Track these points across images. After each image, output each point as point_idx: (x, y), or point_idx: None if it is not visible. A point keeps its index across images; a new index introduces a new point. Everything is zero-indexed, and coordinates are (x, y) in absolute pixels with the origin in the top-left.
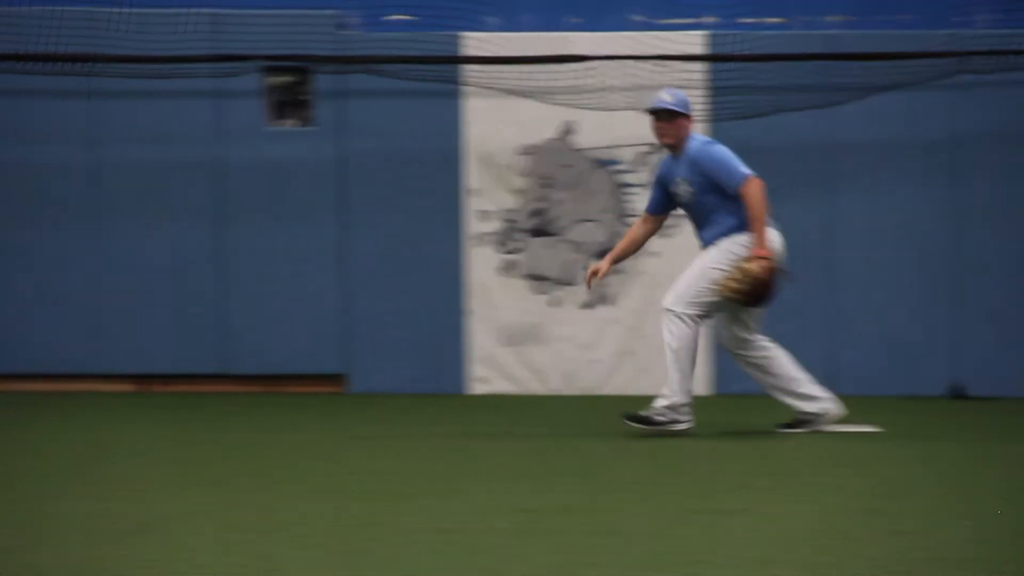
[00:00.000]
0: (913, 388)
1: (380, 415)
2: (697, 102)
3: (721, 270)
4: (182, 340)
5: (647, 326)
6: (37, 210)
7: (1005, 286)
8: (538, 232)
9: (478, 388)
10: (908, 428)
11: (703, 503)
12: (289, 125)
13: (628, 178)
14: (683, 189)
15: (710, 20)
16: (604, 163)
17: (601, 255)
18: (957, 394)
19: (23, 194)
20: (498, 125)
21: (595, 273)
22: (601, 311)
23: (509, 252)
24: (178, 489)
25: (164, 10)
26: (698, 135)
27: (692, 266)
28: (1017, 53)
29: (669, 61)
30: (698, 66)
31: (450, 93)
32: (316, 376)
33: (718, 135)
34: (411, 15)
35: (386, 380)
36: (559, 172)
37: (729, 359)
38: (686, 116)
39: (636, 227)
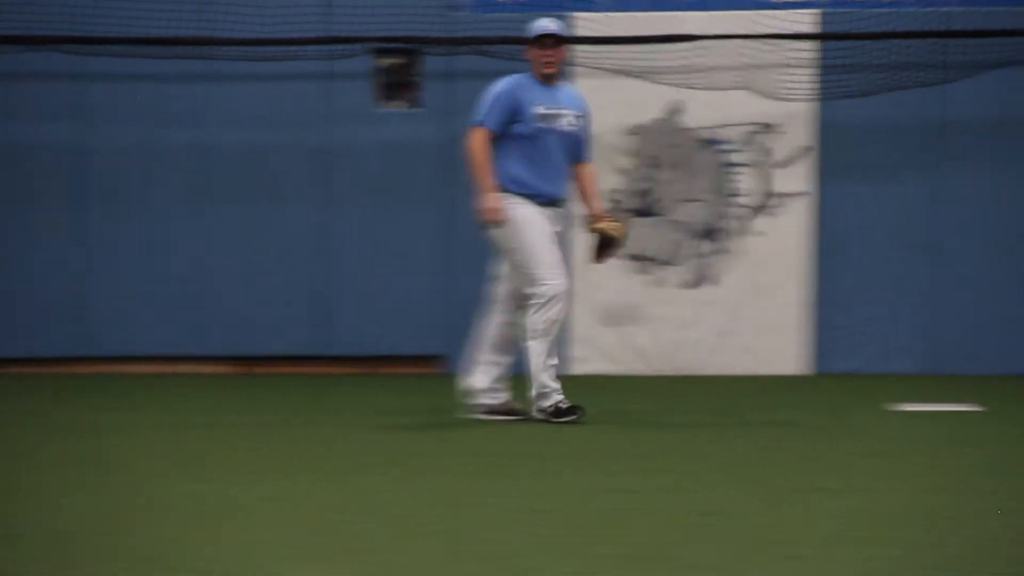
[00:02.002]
0: (1017, 367)
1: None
2: (808, 81)
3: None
4: (285, 321)
5: (748, 306)
6: (143, 193)
7: None
8: (642, 212)
9: (577, 368)
10: (1012, 407)
11: (802, 482)
12: (398, 107)
13: (734, 158)
14: (574, 123)
15: None
16: (710, 143)
17: (705, 235)
18: None
19: (127, 178)
20: (605, 105)
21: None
22: (703, 291)
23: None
24: (277, 473)
25: None
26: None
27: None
28: None
29: (779, 40)
30: (808, 45)
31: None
32: (416, 357)
33: (828, 113)
34: None
35: None
36: (665, 152)
37: (830, 338)
38: (566, 43)
39: (487, 149)
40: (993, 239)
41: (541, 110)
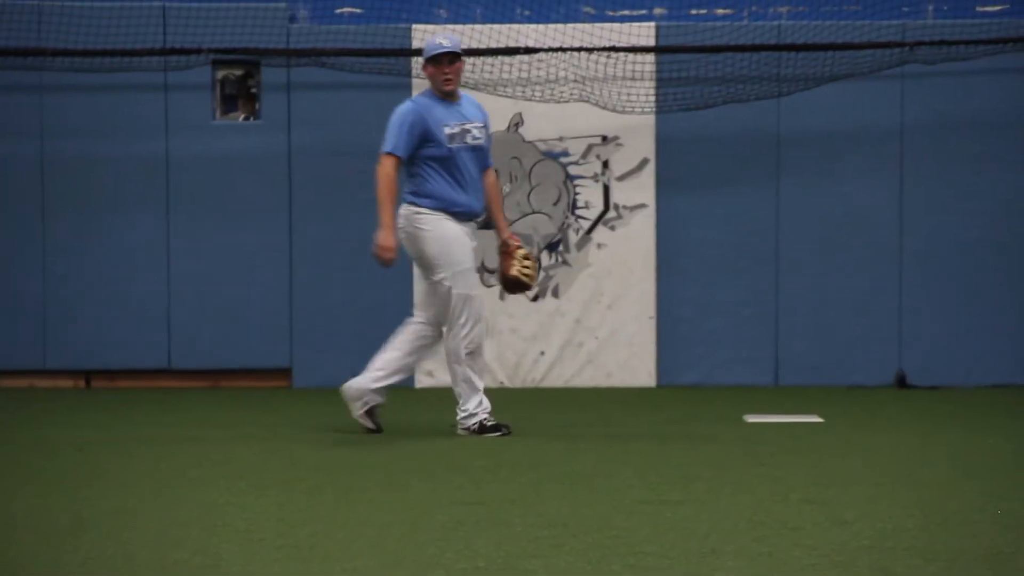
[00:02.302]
0: (857, 378)
1: (324, 410)
2: (647, 93)
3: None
4: (128, 336)
5: (592, 319)
6: None
7: (949, 276)
8: (484, 225)
9: (424, 381)
10: (851, 418)
11: (646, 494)
12: (236, 118)
13: (577, 170)
14: (481, 134)
15: (660, 12)
16: (551, 155)
17: (550, 247)
18: (900, 383)
19: None
20: None
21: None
22: (546, 303)
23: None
24: (119, 486)
25: (114, 3)
26: None
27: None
28: (964, 43)
29: (618, 53)
30: (648, 58)
31: (400, 86)
32: (260, 371)
33: (667, 125)
34: (361, 8)
35: (330, 375)
36: (508, 164)
37: (672, 351)
38: (462, 59)
39: (395, 179)
40: (832, 251)
41: (449, 129)
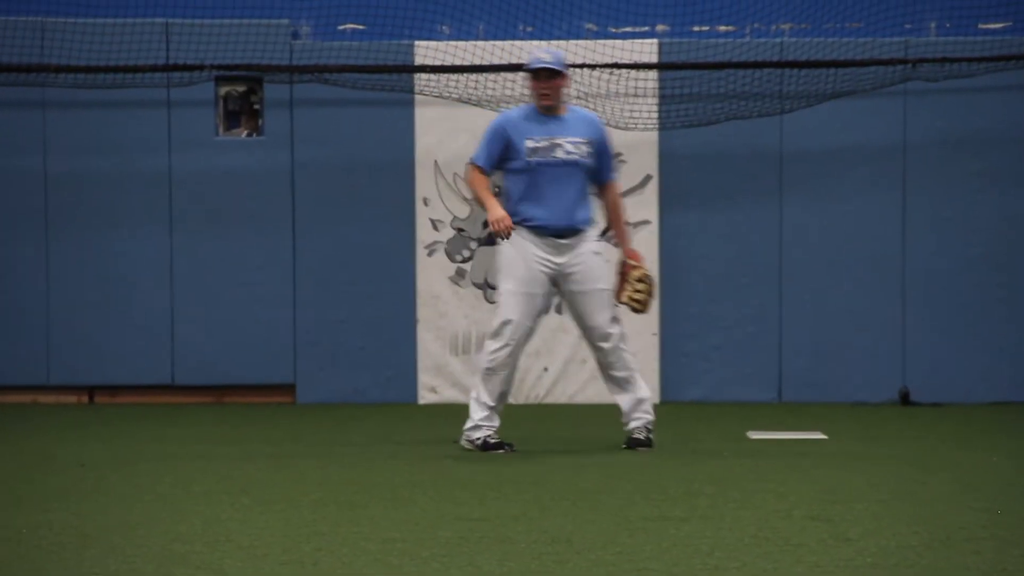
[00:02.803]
0: (861, 395)
1: (328, 425)
2: (649, 110)
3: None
4: (131, 352)
5: None
6: None
7: (952, 293)
8: (488, 241)
9: (427, 398)
10: (854, 435)
11: (650, 511)
12: (239, 134)
13: None
14: (582, 150)
15: (662, 28)
16: None
17: None
18: (903, 400)
19: None
20: (450, 134)
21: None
22: (550, 320)
23: (460, 261)
24: (121, 501)
25: (116, 20)
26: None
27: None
28: (966, 60)
29: (621, 69)
30: (650, 74)
31: (403, 102)
32: (263, 386)
33: (670, 142)
34: (364, 24)
35: (334, 390)
36: None
37: (675, 367)
38: (565, 76)
39: (482, 180)
40: (835, 268)
41: (532, 143)
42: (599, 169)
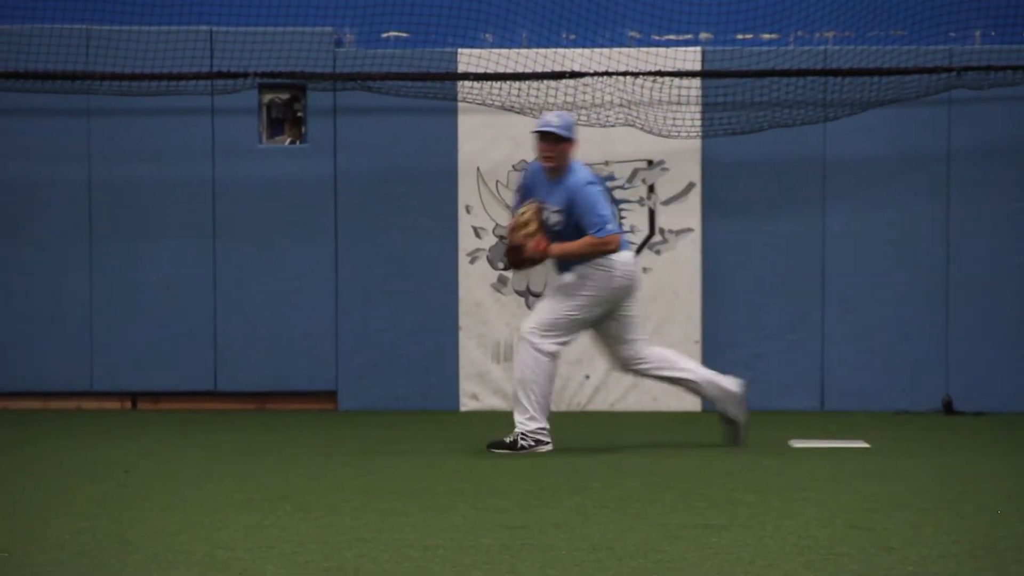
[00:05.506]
0: (904, 404)
1: (369, 432)
2: (692, 118)
3: (582, 297)
4: (174, 358)
5: None
6: (30, 227)
7: (996, 301)
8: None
9: (469, 404)
10: (897, 443)
11: (691, 519)
12: (282, 142)
13: (622, 194)
14: (552, 217)
15: (706, 36)
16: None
17: None
18: (946, 409)
19: (11, 212)
20: (493, 141)
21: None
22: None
23: (503, 268)
24: (163, 507)
25: (161, 27)
26: (579, 165)
27: (550, 293)
28: (1011, 69)
29: (664, 77)
30: (694, 82)
31: (445, 110)
32: (306, 393)
33: (713, 150)
34: (407, 32)
35: (375, 397)
36: None
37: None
38: (570, 141)
39: None
40: (878, 276)
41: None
42: (579, 227)
